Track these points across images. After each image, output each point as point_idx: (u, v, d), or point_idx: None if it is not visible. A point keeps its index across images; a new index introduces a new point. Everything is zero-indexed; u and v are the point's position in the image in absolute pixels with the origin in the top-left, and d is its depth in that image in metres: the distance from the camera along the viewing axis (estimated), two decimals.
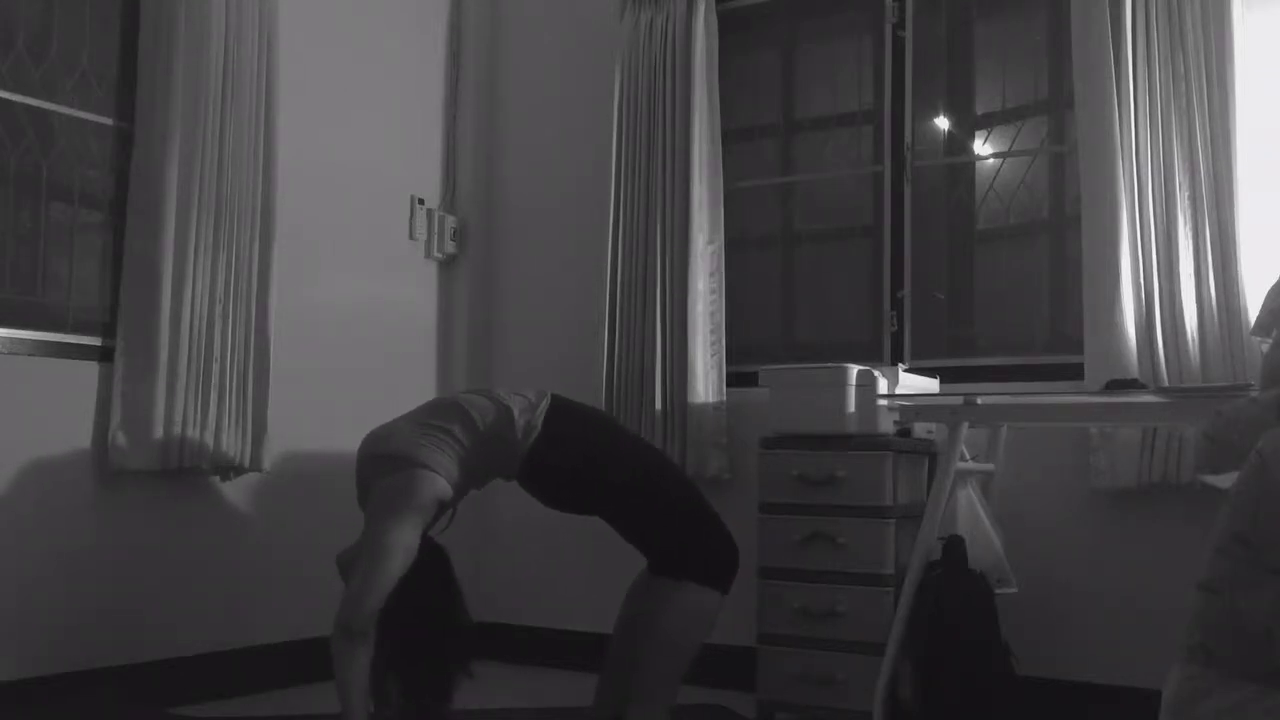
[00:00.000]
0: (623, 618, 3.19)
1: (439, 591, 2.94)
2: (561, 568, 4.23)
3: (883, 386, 3.36)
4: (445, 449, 2.88)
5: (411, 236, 4.42)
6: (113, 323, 3.40)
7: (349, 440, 4.07)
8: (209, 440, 3.49)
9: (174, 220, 3.43)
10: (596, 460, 3.01)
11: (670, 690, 2.98)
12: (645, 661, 2.96)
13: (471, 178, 4.62)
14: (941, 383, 3.62)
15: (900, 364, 3.67)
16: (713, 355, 3.98)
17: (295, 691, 3.72)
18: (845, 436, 3.32)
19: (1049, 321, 3.78)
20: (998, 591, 3.12)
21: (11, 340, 3.22)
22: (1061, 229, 3.77)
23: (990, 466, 3.39)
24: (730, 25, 4.21)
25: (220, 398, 3.53)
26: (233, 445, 3.55)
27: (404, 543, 2.80)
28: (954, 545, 3.09)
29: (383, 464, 2.90)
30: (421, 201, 4.45)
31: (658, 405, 3.96)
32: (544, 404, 2.99)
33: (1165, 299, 3.29)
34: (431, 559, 2.90)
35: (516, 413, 2.93)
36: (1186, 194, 3.27)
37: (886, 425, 3.37)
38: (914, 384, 3.48)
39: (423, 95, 4.54)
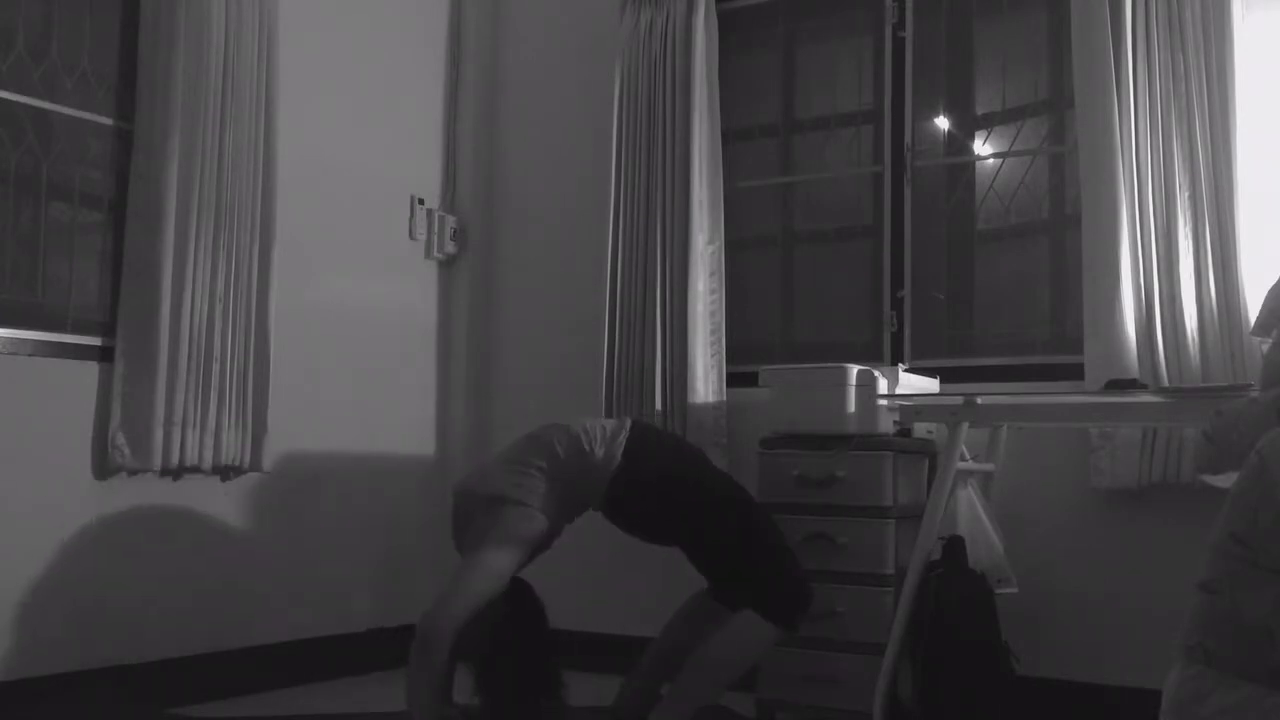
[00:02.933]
0: (672, 630, 3.19)
1: (528, 629, 2.97)
2: (572, 569, 4.23)
3: (883, 386, 3.36)
4: (534, 484, 2.93)
5: (411, 236, 4.42)
6: (113, 323, 3.40)
7: (349, 440, 4.10)
8: (209, 440, 3.49)
9: (174, 220, 3.43)
10: (676, 492, 3.01)
11: (699, 701, 2.98)
12: (686, 675, 2.96)
13: (471, 178, 4.62)
14: (941, 383, 3.62)
15: (900, 364, 3.67)
16: (713, 355, 3.98)
17: (295, 691, 3.72)
18: (845, 436, 3.32)
19: (1049, 321, 3.78)
20: (998, 591, 3.11)
21: (11, 340, 3.22)
22: (1061, 229, 3.77)
23: (990, 466, 3.39)
24: (730, 25, 4.21)
25: (220, 398, 3.53)
26: (233, 445, 3.55)
27: (497, 567, 2.86)
28: (954, 545, 3.09)
29: (482, 503, 2.94)
30: (421, 201, 4.45)
31: (658, 405, 3.96)
32: (624, 434, 3.00)
33: (1165, 299, 3.28)
34: (521, 598, 2.96)
35: (597, 443, 2.97)
36: (1186, 194, 3.27)
37: (886, 425, 3.37)
38: (914, 384, 3.48)
39: (423, 95, 4.54)
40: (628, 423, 3.07)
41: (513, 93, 4.68)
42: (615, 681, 3.26)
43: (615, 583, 4.13)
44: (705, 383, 3.95)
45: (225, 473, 3.62)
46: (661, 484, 3.00)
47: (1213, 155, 3.24)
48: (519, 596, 2.97)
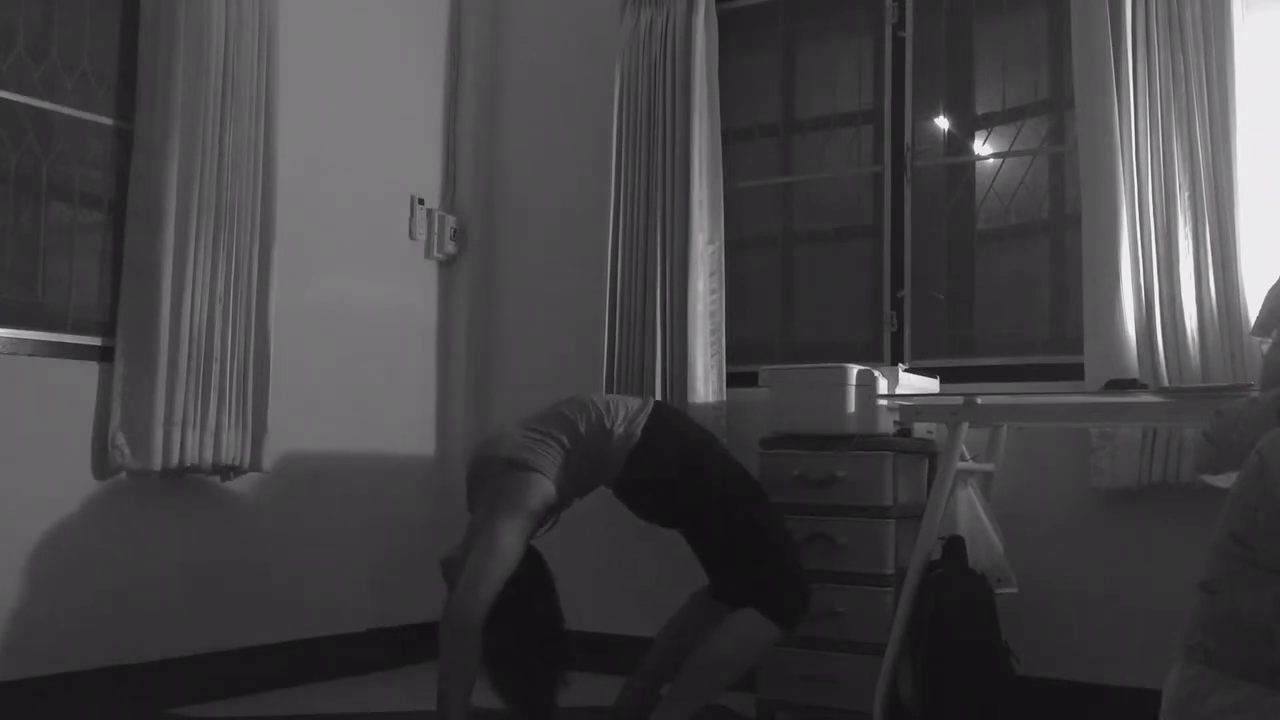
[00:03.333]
0: (673, 628, 3.19)
1: (537, 596, 2.97)
2: (572, 570, 4.23)
3: (883, 386, 3.36)
4: (549, 453, 2.94)
5: (411, 236, 4.42)
6: (113, 323, 3.40)
7: (349, 440, 4.10)
8: (209, 440, 3.49)
9: (174, 220, 3.43)
10: (687, 478, 3.01)
11: (699, 700, 2.98)
12: (686, 674, 2.95)
13: (471, 178, 4.62)
14: (941, 383, 3.62)
15: (900, 364, 3.67)
16: (713, 355, 3.98)
17: (295, 691, 3.72)
18: (845, 436, 3.32)
19: (1049, 321, 3.78)
20: (998, 591, 3.11)
21: (11, 340, 3.22)
22: (1061, 229, 3.77)
23: (990, 466, 3.39)
24: (730, 25, 4.21)
25: (220, 398, 3.53)
26: (233, 445, 3.55)
27: (512, 543, 2.85)
28: (954, 545, 3.09)
29: (494, 465, 2.96)
30: (421, 201, 4.45)
31: None
32: (645, 414, 3.01)
33: (1165, 299, 3.28)
34: (531, 565, 2.94)
35: (618, 420, 2.98)
36: (1186, 194, 3.27)
37: (886, 425, 3.37)
38: (914, 384, 3.48)
39: (423, 95, 4.54)
40: (650, 403, 3.08)
41: (513, 93, 4.68)
42: (616, 682, 3.25)
43: (615, 583, 4.13)
44: (705, 383, 3.95)
45: (225, 473, 3.62)
46: (674, 468, 3.00)
47: (1213, 155, 3.24)
48: (530, 565, 2.95)
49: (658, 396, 3.95)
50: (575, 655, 3.04)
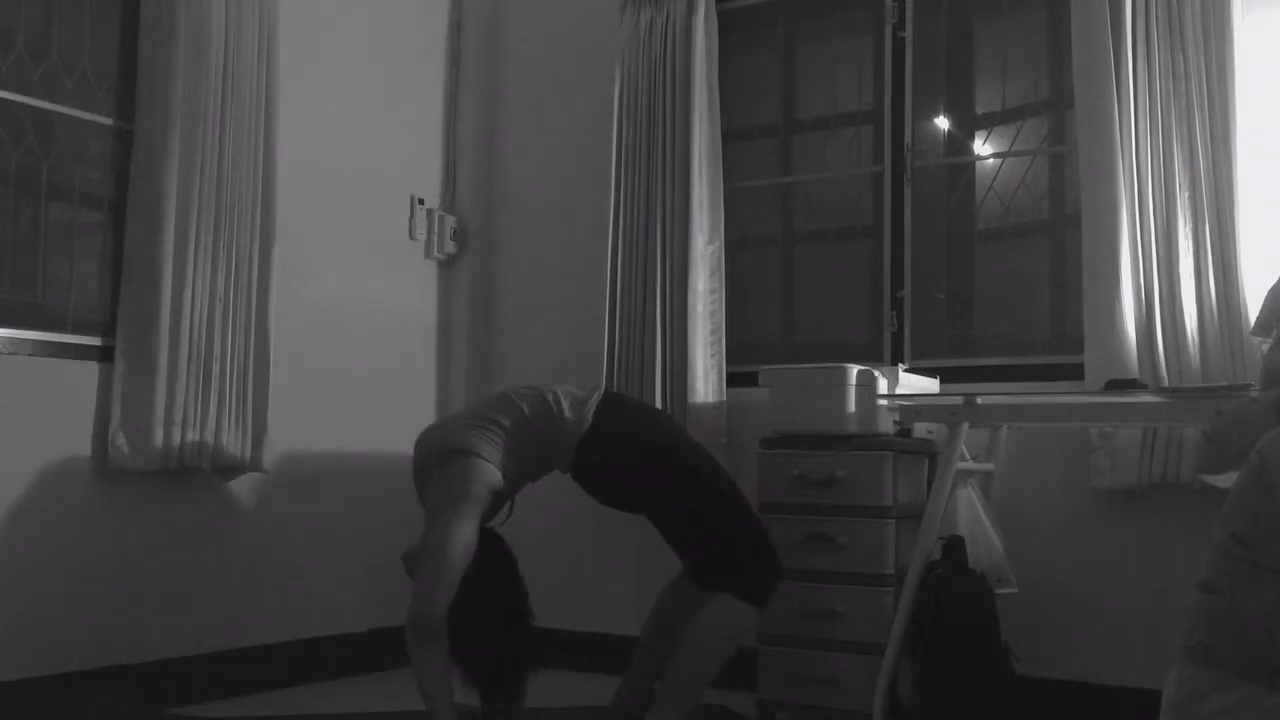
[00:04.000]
0: (654, 622, 3.19)
1: (499, 582, 2.95)
2: (567, 569, 4.24)
3: (883, 386, 3.36)
4: (492, 437, 2.92)
5: (411, 236, 4.42)
6: (113, 323, 3.40)
7: (349, 440, 4.10)
8: (209, 440, 3.49)
9: (174, 220, 3.43)
10: (644, 461, 3.00)
11: (692, 696, 2.98)
12: (672, 668, 2.96)
13: (471, 178, 4.62)
14: (941, 383, 3.62)
15: (900, 364, 3.67)
16: (713, 355, 3.98)
17: (295, 691, 3.72)
18: (845, 436, 3.32)
19: (1049, 321, 3.78)
20: (998, 591, 3.11)
21: (11, 340, 3.22)
22: (1061, 229, 3.77)
23: (990, 466, 3.39)
24: (730, 25, 4.21)
25: (220, 398, 3.53)
26: (233, 445, 3.55)
27: (464, 535, 2.83)
28: (954, 545, 3.09)
29: (438, 455, 2.95)
30: (421, 201, 4.45)
31: (658, 405, 3.95)
32: (595, 399, 3.00)
33: (1165, 299, 3.28)
34: (491, 550, 2.92)
35: (565, 406, 2.97)
36: (1186, 194, 3.27)
37: (886, 425, 3.37)
38: (914, 384, 3.48)
39: (423, 95, 4.54)
40: (601, 389, 3.08)
41: (513, 92, 4.68)
42: (613, 681, 3.26)
43: (611, 583, 4.13)
44: (705, 383, 3.95)
45: (225, 473, 3.62)
46: (629, 453, 2.99)
47: (1213, 155, 3.24)
48: (489, 549, 2.92)
49: (658, 396, 3.95)
50: (538, 635, 3.01)
